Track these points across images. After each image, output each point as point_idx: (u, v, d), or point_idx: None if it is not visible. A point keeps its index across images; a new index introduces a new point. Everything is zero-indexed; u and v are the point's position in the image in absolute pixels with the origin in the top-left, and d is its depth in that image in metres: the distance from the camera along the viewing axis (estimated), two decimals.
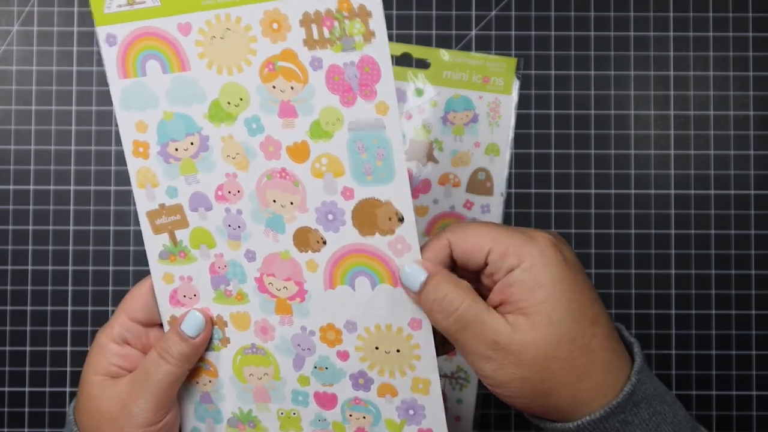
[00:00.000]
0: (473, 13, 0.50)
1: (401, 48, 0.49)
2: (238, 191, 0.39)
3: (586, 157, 0.50)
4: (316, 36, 0.36)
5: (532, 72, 0.50)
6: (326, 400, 0.41)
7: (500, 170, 0.49)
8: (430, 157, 0.49)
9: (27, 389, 0.49)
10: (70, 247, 0.49)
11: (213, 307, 0.40)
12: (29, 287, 0.49)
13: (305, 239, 0.39)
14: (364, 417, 0.40)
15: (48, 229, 0.49)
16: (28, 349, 0.49)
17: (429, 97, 0.49)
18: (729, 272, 0.50)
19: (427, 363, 0.38)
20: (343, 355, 0.39)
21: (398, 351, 0.38)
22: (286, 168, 0.38)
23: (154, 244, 0.40)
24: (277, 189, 0.39)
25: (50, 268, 0.49)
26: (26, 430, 0.49)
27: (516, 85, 0.49)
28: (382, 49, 0.36)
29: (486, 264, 0.34)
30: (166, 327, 0.40)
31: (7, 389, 0.49)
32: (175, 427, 0.40)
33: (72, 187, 0.49)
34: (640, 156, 0.50)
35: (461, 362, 0.49)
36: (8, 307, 0.49)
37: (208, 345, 0.40)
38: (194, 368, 0.40)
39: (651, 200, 0.50)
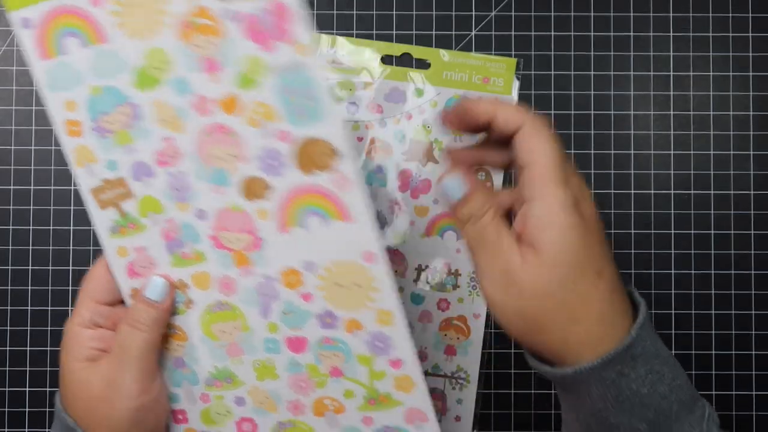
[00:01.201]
0: (473, 13, 0.50)
1: (401, 48, 0.49)
2: (178, 153, 0.39)
3: (586, 157, 0.50)
4: None
5: (532, 72, 0.50)
6: (297, 344, 0.41)
7: (499, 170, 0.49)
8: (430, 157, 0.49)
9: (27, 389, 0.49)
10: (70, 247, 0.49)
11: (172, 272, 0.40)
12: (29, 287, 0.49)
13: (252, 188, 0.39)
14: (335, 355, 0.41)
15: (48, 229, 0.49)
16: (28, 349, 0.49)
17: (429, 98, 0.49)
18: (729, 272, 0.50)
19: (387, 294, 0.39)
20: (307, 297, 0.40)
21: (358, 285, 0.39)
22: (220, 122, 0.38)
23: (102, 220, 0.40)
24: (216, 144, 0.39)
25: (50, 268, 0.49)
26: (26, 430, 0.49)
27: (516, 85, 0.49)
28: None
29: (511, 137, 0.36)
30: (128, 300, 0.40)
31: (7, 389, 0.49)
32: (164, 395, 0.40)
33: (72, 187, 0.49)
34: (640, 156, 0.50)
35: (461, 362, 0.49)
36: (8, 307, 0.49)
37: (174, 309, 0.40)
38: (163, 335, 0.40)
39: (651, 200, 0.50)
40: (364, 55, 0.49)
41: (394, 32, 0.50)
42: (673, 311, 0.50)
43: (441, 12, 0.50)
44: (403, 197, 0.49)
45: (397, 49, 0.49)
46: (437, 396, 0.49)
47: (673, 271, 0.50)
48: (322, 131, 0.38)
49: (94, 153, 0.39)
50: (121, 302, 0.40)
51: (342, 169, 0.38)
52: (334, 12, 0.50)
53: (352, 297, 0.40)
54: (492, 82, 0.49)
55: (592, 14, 0.50)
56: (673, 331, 0.50)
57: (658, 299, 0.50)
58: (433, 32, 0.50)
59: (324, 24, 0.50)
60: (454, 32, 0.50)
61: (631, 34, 0.50)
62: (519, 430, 0.50)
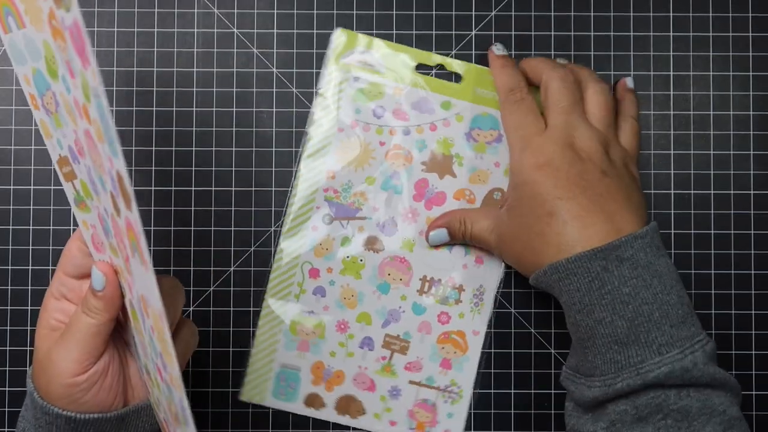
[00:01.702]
0: (473, 13, 0.50)
1: (437, 59, 0.49)
2: (83, 149, 0.36)
3: None
4: None
5: None
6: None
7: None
8: (449, 171, 0.49)
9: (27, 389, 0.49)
10: None
11: (113, 258, 0.39)
12: (29, 287, 0.49)
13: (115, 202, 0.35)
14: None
15: (48, 229, 0.49)
16: (28, 349, 0.49)
17: (456, 112, 0.49)
18: (729, 272, 0.50)
19: None
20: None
21: None
22: (88, 129, 0.34)
23: (68, 191, 0.40)
24: (90, 149, 0.35)
25: (50, 268, 0.49)
26: None
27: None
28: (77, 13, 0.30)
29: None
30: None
31: (7, 389, 0.49)
32: (109, 378, 0.40)
33: None
34: (640, 156, 0.50)
35: (456, 377, 0.49)
36: (8, 307, 0.49)
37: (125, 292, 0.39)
38: (133, 312, 0.39)
39: (651, 200, 0.50)
40: (398, 60, 0.49)
41: (394, 32, 0.50)
42: None
43: (441, 12, 0.50)
44: (417, 206, 0.49)
45: (432, 59, 0.49)
46: (428, 407, 0.49)
47: None
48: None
49: (48, 128, 0.39)
50: (87, 276, 0.40)
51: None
52: (334, 12, 0.50)
53: None
54: None
55: (592, 14, 0.50)
56: None
57: None
58: (433, 32, 0.50)
59: (324, 23, 0.50)
60: (454, 32, 0.50)
61: (631, 34, 0.50)
62: (519, 430, 0.50)
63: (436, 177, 0.49)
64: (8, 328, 0.49)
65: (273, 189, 0.49)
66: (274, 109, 0.50)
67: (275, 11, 0.50)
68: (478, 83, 0.49)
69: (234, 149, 0.50)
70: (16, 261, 0.49)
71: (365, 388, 0.49)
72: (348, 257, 0.49)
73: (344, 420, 0.49)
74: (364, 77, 0.48)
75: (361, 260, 0.49)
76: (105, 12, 0.49)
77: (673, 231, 0.50)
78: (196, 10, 0.50)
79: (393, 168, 0.49)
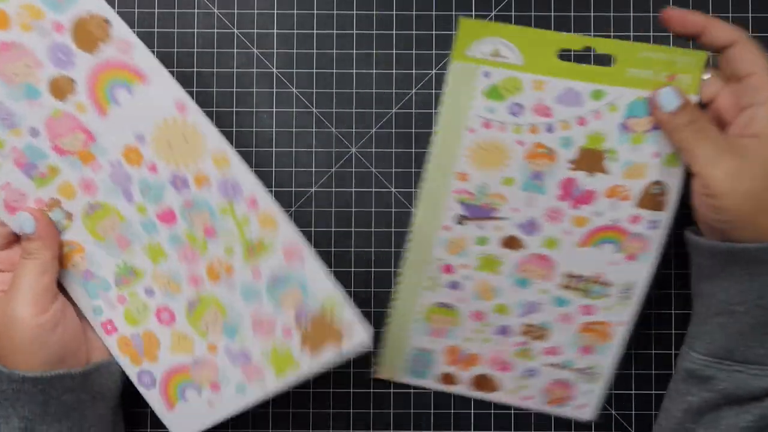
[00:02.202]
0: (473, 13, 0.50)
1: (582, 41, 0.43)
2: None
3: None
4: None
5: None
6: (167, 217, 0.43)
7: (677, 182, 0.44)
8: (599, 168, 0.44)
9: None
10: None
11: (40, 193, 0.42)
12: None
13: (58, 89, 0.41)
14: (201, 214, 0.42)
15: None
16: None
17: (608, 101, 0.43)
18: None
19: (211, 137, 0.41)
20: (152, 168, 0.42)
21: (184, 138, 0.41)
22: (1, 40, 0.41)
23: None
24: (9, 61, 0.41)
25: None
26: None
27: (706, 81, 0.43)
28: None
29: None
30: (19, 234, 0.42)
31: None
32: (67, 317, 0.43)
33: None
34: None
35: (596, 360, 0.47)
36: None
37: (60, 227, 0.43)
38: (65, 254, 0.43)
39: None
40: (536, 48, 0.43)
41: (394, 32, 0.50)
42: (673, 311, 0.50)
43: (441, 12, 0.50)
44: (561, 206, 0.45)
45: (577, 42, 0.43)
46: (564, 385, 0.48)
47: (673, 271, 0.50)
48: (83, 8, 0.40)
49: None
50: (16, 243, 0.43)
51: (118, 35, 0.40)
52: (334, 12, 0.50)
53: (186, 151, 0.41)
54: (678, 79, 0.42)
55: (592, 14, 0.50)
56: (673, 331, 0.50)
57: (659, 298, 0.50)
58: (433, 32, 0.50)
59: (323, 23, 0.50)
60: (454, 32, 0.50)
61: (631, 34, 0.50)
62: (519, 430, 0.50)
63: (584, 175, 0.44)
64: None
65: (273, 189, 0.49)
66: (274, 110, 0.50)
67: (275, 11, 0.50)
68: (631, 63, 0.42)
69: (234, 149, 0.50)
70: None
71: (499, 368, 0.48)
72: (484, 255, 0.46)
73: (478, 395, 0.49)
74: (496, 72, 0.43)
75: (499, 258, 0.46)
76: None
77: (673, 231, 0.50)
78: (196, 11, 0.50)
79: (534, 168, 0.44)
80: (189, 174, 0.42)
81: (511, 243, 0.46)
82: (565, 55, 0.43)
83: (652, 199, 0.44)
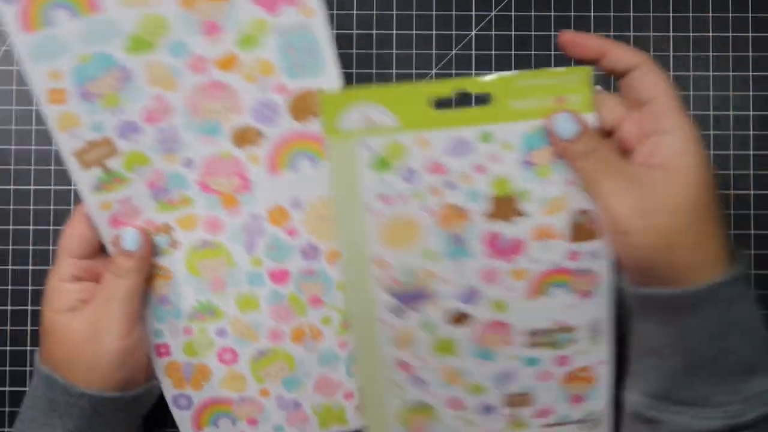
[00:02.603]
0: (473, 13, 0.50)
1: (453, 85, 0.39)
2: (168, 110, 0.41)
3: None
4: None
5: None
6: (280, 276, 0.43)
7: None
8: (516, 213, 0.40)
9: (27, 389, 0.49)
10: None
11: (156, 218, 0.43)
12: (29, 287, 0.49)
13: (244, 136, 0.42)
14: (316, 285, 0.43)
15: (48, 229, 0.49)
16: (28, 348, 0.49)
17: (500, 140, 0.39)
18: None
19: None
20: (292, 232, 0.43)
21: None
22: (216, 79, 0.41)
23: (85, 179, 0.42)
24: (210, 99, 0.41)
25: (50, 267, 0.49)
26: None
27: (598, 97, 0.39)
28: None
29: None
30: (111, 248, 0.42)
31: (7, 389, 0.49)
32: (146, 342, 0.43)
33: (72, 187, 0.49)
34: None
35: (590, 406, 0.44)
36: (8, 307, 0.49)
37: (158, 252, 0.43)
38: (145, 280, 0.43)
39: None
40: (407, 104, 0.39)
41: (394, 32, 0.50)
42: None
43: (441, 12, 0.50)
44: (494, 263, 0.41)
45: (447, 87, 0.39)
46: None
47: None
48: (319, 82, 0.41)
49: (78, 117, 0.41)
50: (101, 253, 0.43)
51: None
52: (334, 12, 0.50)
53: (333, 230, 0.42)
54: (567, 100, 0.39)
55: (592, 14, 0.50)
56: None
57: None
58: (433, 32, 0.50)
59: None
60: (454, 32, 0.50)
61: (631, 34, 0.50)
62: None
63: (504, 225, 0.40)
64: (8, 328, 0.49)
65: None
66: None
67: None
68: (511, 95, 0.39)
69: None
70: (16, 261, 0.49)
71: None
72: (436, 340, 0.42)
73: None
74: (375, 141, 0.40)
75: (452, 338, 0.42)
76: None
77: None
78: None
79: (451, 231, 0.41)
80: (324, 248, 0.43)
81: (458, 319, 0.42)
82: (446, 102, 0.40)
83: (582, 230, 0.40)
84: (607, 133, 0.39)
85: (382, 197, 0.41)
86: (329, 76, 0.41)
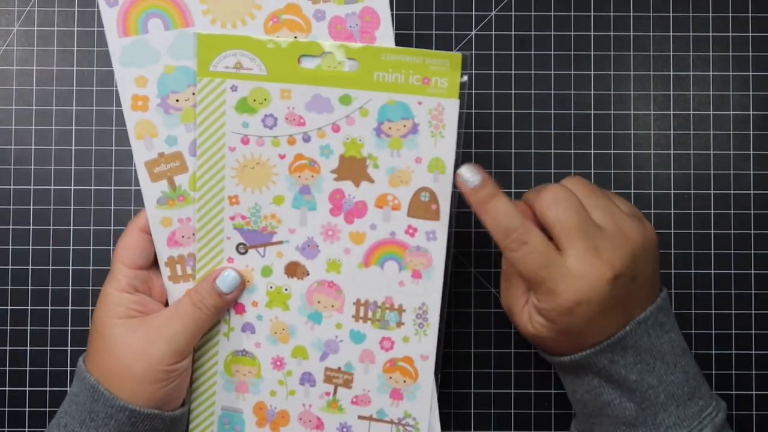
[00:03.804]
0: (473, 13, 0.50)
1: (321, 47, 0.41)
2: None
3: (586, 156, 0.50)
4: None
5: (532, 72, 0.50)
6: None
7: (446, 190, 0.42)
8: (364, 176, 0.42)
9: (27, 389, 0.49)
10: (71, 247, 0.49)
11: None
12: (29, 287, 0.49)
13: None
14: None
15: (48, 229, 0.49)
16: (28, 348, 0.49)
17: (358, 105, 0.41)
18: (729, 272, 0.50)
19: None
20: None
21: None
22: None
23: (152, 191, 0.43)
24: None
25: (50, 268, 0.49)
26: (26, 430, 0.49)
27: (463, 84, 0.41)
28: (382, 0, 0.41)
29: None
30: (163, 269, 0.43)
31: (7, 389, 0.49)
32: (189, 369, 0.43)
33: (72, 187, 0.49)
34: (640, 156, 0.50)
35: (408, 407, 0.44)
36: (8, 307, 0.49)
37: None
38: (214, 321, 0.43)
39: (651, 200, 0.50)
40: (278, 57, 0.41)
41: (394, 32, 0.49)
42: (672, 311, 0.50)
43: (441, 12, 0.50)
44: (336, 222, 0.43)
45: (316, 48, 0.41)
46: None
47: (673, 271, 0.50)
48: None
49: (156, 127, 0.42)
50: (154, 265, 0.43)
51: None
52: None
53: None
54: (433, 82, 0.41)
55: (592, 14, 0.50)
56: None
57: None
58: (433, 32, 0.50)
59: None
60: (454, 32, 0.50)
61: (631, 33, 0.50)
62: (519, 430, 0.50)
63: (351, 185, 0.42)
64: (8, 328, 0.49)
65: None
66: None
67: None
68: (376, 66, 0.41)
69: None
70: (16, 261, 0.49)
71: (312, 427, 0.45)
72: (272, 288, 0.43)
73: None
74: (242, 85, 0.41)
75: (286, 289, 0.43)
76: None
77: (673, 231, 0.50)
78: None
79: (300, 182, 0.42)
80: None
81: (294, 270, 0.43)
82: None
83: (422, 208, 0.42)
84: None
85: (243, 137, 0.42)
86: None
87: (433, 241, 0.43)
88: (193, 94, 0.41)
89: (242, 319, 0.44)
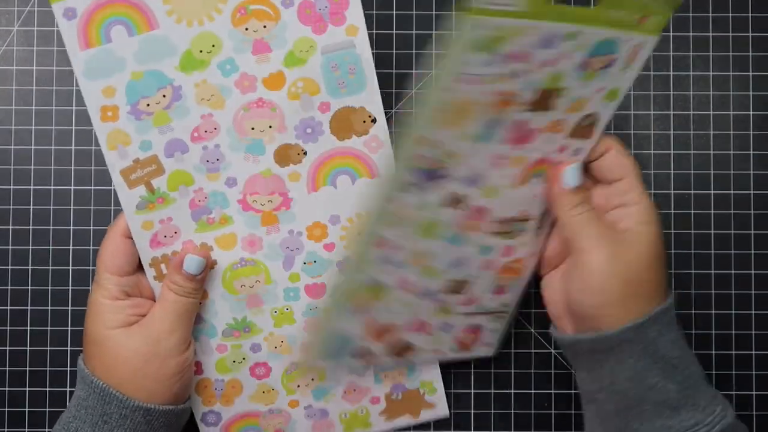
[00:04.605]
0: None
1: None
2: (215, 128, 0.42)
3: None
4: None
5: None
6: (316, 291, 0.44)
7: (609, 113, 0.42)
8: (550, 105, 0.39)
9: (27, 389, 0.49)
10: (70, 247, 0.49)
11: (195, 238, 0.43)
12: (29, 287, 0.49)
13: (286, 155, 0.43)
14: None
15: (48, 229, 0.49)
16: (28, 348, 0.49)
17: (580, 41, 0.38)
18: (729, 272, 0.50)
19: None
20: (330, 246, 0.44)
21: None
22: (262, 97, 0.42)
23: (130, 198, 0.42)
24: (255, 117, 0.42)
25: (50, 268, 0.49)
26: (26, 430, 0.49)
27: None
28: None
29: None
30: (148, 270, 0.43)
31: (7, 389, 0.49)
32: (193, 361, 0.44)
33: (72, 187, 0.49)
34: (640, 156, 0.50)
35: (506, 299, 0.45)
36: (8, 307, 0.49)
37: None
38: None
39: (651, 200, 0.50)
40: None
41: (394, 32, 0.50)
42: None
43: (441, 12, 0.50)
44: (504, 150, 0.40)
45: None
46: (474, 330, 0.46)
47: (673, 271, 0.50)
48: (360, 101, 0.42)
49: (128, 135, 0.42)
50: (140, 268, 0.44)
51: (376, 134, 0.42)
52: None
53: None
54: (648, 20, 0.39)
55: None
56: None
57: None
58: (433, 32, 0.50)
59: None
60: (454, 32, 0.50)
61: None
62: (519, 430, 0.50)
63: (532, 114, 0.39)
64: (8, 328, 0.49)
65: None
66: None
67: None
68: (613, 3, 0.37)
69: None
70: (16, 261, 0.49)
71: (417, 330, 0.45)
72: (424, 221, 0.41)
73: (395, 362, 0.46)
74: (489, 23, 0.36)
75: (438, 221, 0.41)
76: None
77: (673, 231, 0.50)
78: None
79: (492, 117, 0.38)
80: None
81: (454, 202, 0.41)
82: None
83: (581, 129, 0.41)
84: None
85: (462, 78, 0.37)
86: (370, 93, 0.42)
87: (577, 155, 0.42)
88: (164, 96, 0.41)
89: (384, 254, 0.41)
